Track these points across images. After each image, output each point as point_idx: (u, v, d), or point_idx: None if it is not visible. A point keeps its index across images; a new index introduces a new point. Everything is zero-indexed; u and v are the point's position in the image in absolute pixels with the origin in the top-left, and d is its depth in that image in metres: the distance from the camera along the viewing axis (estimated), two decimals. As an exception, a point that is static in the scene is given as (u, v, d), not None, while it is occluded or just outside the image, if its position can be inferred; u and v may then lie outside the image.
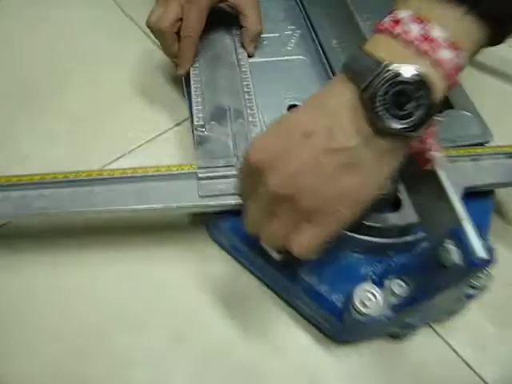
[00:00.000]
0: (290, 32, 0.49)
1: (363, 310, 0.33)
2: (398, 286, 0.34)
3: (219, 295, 0.40)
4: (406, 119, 0.27)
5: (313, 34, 0.49)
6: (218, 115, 0.41)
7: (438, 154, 0.31)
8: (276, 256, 0.35)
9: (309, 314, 0.38)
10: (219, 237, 0.41)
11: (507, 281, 0.43)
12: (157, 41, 0.46)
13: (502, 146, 0.44)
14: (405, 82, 0.26)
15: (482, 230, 0.39)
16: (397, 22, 0.27)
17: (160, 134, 0.48)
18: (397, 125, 0.27)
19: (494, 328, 0.41)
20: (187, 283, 0.40)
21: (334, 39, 0.48)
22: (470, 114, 0.46)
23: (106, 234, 0.42)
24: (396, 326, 0.37)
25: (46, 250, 0.41)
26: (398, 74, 0.26)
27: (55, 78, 0.52)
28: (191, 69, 0.44)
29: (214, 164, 0.38)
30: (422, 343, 0.40)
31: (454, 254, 0.29)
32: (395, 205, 0.38)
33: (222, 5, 0.45)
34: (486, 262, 0.28)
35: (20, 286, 0.39)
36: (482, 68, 0.59)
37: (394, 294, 0.34)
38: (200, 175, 0.38)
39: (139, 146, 0.47)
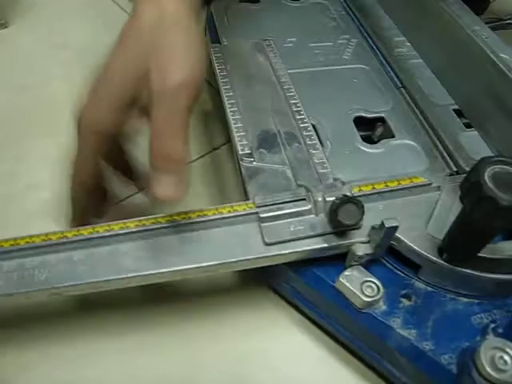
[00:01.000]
0: (344, 41, 0.43)
1: (497, 376, 0.23)
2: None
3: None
4: None
5: (371, 43, 0.43)
6: (267, 141, 0.33)
7: None
8: (360, 301, 0.27)
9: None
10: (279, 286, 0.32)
11: None
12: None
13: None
14: None
15: None
16: None
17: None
18: None
19: None
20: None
21: (396, 48, 0.42)
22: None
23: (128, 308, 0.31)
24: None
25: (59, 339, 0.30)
26: None
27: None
28: (223, 90, 0.36)
29: (276, 199, 0.29)
30: None
31: None
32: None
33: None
34: None
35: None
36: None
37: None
38: (262, 215, 0.28)
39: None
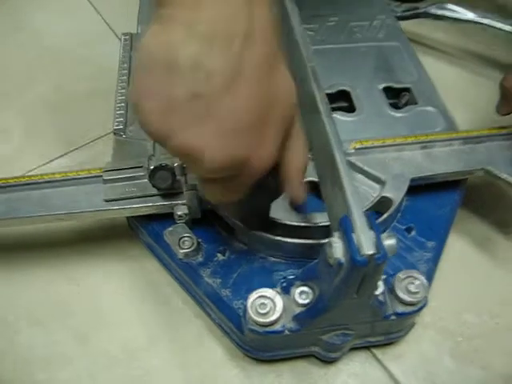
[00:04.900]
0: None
1: (257, 319, 0.28)
2: (303, 294, 0.29)
3: (135, 295, 0.36)
4: None
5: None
6: None
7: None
8: (178, 252, 0.33)
9: (219, 323, 0.33)
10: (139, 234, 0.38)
11: (466, 293, 0.36)
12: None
13: (458, 131, 0.38)
14: None
15: (438, 225, 0.36)
16: None
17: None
18: None
19: (449, 359, 0.34)
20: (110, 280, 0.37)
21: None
22: (435, 111, 0.41)
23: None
24: (311, 344, 0.31)
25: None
26: None
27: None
28: (119, 73, 0.42)
29: (121, 166, 0.35)
30: (357, 370, 0.33)
31: (337, 249, 0.24)
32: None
33: None
34: (374, 260, 0.24)
35: None
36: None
37: (296, 302, 0.29)
38: (105, 178, 0.34)
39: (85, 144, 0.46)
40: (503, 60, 0.38)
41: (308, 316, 0.28)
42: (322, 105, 0.30)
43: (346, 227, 0.24)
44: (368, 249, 0.23)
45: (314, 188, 0.34)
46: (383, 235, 0.24)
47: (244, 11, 0.22)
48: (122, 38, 0.45)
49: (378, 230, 0.24)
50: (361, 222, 0.24)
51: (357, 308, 0.28)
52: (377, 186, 0.34)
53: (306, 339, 0.30)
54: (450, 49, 0.54)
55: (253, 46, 0.22)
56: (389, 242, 0.24)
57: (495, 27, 0.47)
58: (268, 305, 0.29)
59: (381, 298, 0.29)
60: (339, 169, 0.26)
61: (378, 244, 0.23)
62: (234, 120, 0.22)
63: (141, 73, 0.23)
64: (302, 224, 0.32)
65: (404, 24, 0.52)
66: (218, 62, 0.22)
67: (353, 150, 0.35)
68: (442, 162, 0.35)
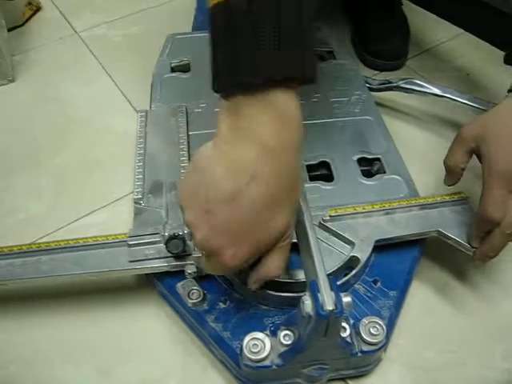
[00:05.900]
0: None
1: (251, 356, 0.37)
2: (287, 336, 0.39)
3: (151, 336, 0.46)
4: None
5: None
6: (155, 189, 0.49)
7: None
8: (188, 302, 0.42)
9: (220, 359, 0.42)
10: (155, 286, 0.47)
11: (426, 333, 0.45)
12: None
13: (416, 198, 0.48)
14: None
15: (400, 277, 0.45)
16: None
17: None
18: None
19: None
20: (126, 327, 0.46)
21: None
22: (400, 179, 0.51)
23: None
24: (295, 376, 0.40)
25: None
26: None
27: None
28: (137, 147, 0.52)
29: (142, 232, 0.44)
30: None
31: (307, 305, 0.34)
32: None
33: None
34: (334, 314, 0.32)
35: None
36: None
37: (281, 343, 0.39)
38: (129, 243, 0.44)
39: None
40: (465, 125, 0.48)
41: (290, 354, 0.37)
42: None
43: (313, 289, 0.33)
44: (329, 306, 0.32)
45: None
46: (341, 295, 0.33)
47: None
48: (139, 114, 0.55)
49: (337, 291, 0.33)
50: (324, 285, 0.33)
51: (328, 348, 0.37)
52: (348, 246, 0.44)
53: (290, 372, 0.39)
54: (421, 114, 0.65)
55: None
56: (345, 300, 0.33)
57: (455, 99, 0.57)
58: (259, 345, 0.38)
59: (348, 339, 0.39)
60: (310, 242, 0.36)
61: (337, 302, 0.33)
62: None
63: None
64: (286, 280, 0.41)
65: (381, 93, 0.62)
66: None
67: (329, 217, 0.45)
68: (402, 225, 0.45)
